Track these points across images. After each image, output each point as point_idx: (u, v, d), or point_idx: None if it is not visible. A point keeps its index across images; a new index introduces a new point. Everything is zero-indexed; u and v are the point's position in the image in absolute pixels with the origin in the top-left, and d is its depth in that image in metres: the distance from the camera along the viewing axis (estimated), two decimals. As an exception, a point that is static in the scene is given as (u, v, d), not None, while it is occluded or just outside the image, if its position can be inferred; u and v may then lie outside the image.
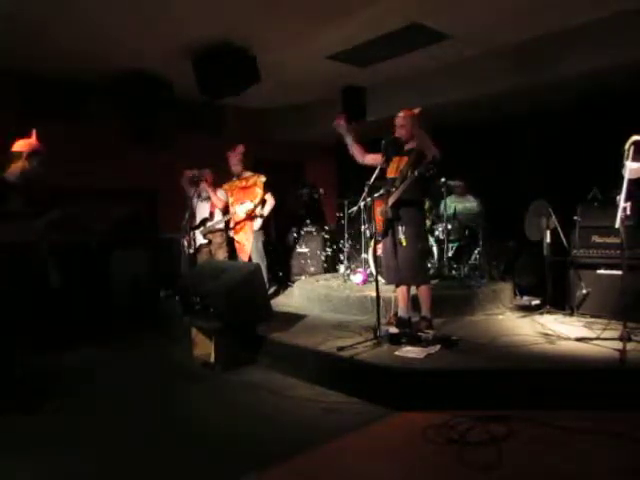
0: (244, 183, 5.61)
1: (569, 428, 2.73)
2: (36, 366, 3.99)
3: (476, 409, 2.94)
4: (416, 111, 3.98)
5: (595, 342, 3.66)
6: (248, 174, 5.64)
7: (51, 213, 5.31)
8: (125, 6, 4.16)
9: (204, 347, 4.21)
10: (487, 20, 4.61)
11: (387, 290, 4.48)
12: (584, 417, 2.81)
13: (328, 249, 7.20)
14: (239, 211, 5.54)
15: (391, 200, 3.94)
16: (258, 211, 5.57)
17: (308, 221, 7.27)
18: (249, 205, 5.54)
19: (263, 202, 5.59)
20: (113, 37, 4.75)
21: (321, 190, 7.74)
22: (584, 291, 4.51)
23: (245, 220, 5.57)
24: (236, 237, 5.67)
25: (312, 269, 7.00)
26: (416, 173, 3.74)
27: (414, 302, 4.19)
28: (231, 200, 5.60)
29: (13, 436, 2.89)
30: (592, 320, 4.30)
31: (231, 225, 5.66)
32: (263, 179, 5.58)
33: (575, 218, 4.68)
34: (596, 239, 4.53)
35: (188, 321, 4.37)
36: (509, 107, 6.21)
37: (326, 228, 7.38)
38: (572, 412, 2.88)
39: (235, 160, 5.53)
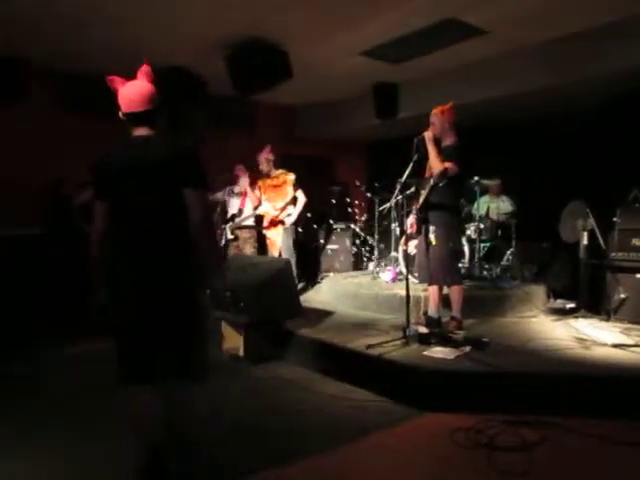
0: (275, 182, 5.64)
1: (606, 437, 2.63)
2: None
3: (506, 413, 2.88)
4: (447, 107, 3.92)
5: (633, 349, 3.54)
6: (277, 172, 5.65)
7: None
8: (158, 4, 4.22)
9: (233, 341, 4.25)
10: (524, 15, 4.49)
11: (417, 289, 4.43)
12: (622, 427, 2.72)
13: (358, 246, 7.17)
14: (270, 209, 5.58)
15: (418, 204, 4.03)
16: (289, 210, 5.59)
17: (337, 218, 7.24)
18: (280, 203, 5.57)
19: (295, 199, 5.60)
20: (146, 34, 4.83)
21: (357, 182, 7.68)
22: (622, 296, 4.37)
23: (276, 217, 5.59)
24: (267, 233, 5.72)
25: (341, 266, 6.98)
26: (431, 182, 3.85)
27: (444, 302, 4.14)
28: (264, 197, 5.64)
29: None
30: (629, 326, 4.17)
31: (265, 223, 5.69)
32: (292, 177, 5.59)
33: (614, 220, 4.54)
34: (636, 242, 4.39)
35: (218, 314, 4.42)
36: (546, 105, 6.05)
37: (356, 225, 7.35)
38: (609, 421, 2.78)
39: (262, 159, 5.56)
